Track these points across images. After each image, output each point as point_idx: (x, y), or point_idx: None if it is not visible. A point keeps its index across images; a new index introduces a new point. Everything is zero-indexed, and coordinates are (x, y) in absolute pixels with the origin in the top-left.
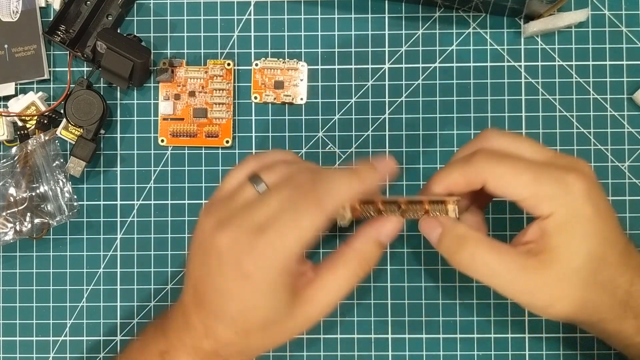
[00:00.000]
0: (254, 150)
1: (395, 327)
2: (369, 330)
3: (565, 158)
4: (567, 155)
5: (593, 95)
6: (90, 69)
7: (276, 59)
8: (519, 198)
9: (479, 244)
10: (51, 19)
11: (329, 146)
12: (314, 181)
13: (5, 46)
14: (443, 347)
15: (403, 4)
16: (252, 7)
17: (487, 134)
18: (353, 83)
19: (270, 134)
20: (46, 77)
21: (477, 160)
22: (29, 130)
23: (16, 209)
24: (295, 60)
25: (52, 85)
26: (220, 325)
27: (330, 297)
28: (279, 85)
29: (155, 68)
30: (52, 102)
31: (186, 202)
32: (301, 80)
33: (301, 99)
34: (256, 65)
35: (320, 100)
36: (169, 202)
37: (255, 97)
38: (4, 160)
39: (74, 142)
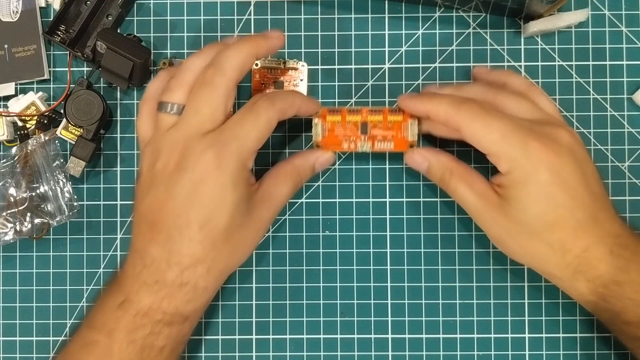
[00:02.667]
0: None
1: (395, 327)
2: (369, 330)
3: (549, 124)
4: (556, 121)
5: (593, 95)
6: (90, 69)
7: (276, 59)
8: (485, 152)
9: (461, 175)
10: (51, 19)
11: None
12: (268, 95)
13: (5, 46)
14: (443, 347)
15: (403, 4)
16: (252, 7)
17: (499, 75)
18: (353, 83)
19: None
20: (46, 77)
21: (465, 109)
22: (29, 130)
23: (16, 209)
24: (295, 60)
25: (52, 85)
26: (186, 241)
27: (277, 201)
28: (279, 85)
29: (155, 68)
30: (52, 102)
31: None
32: (301, 80)
33: None
34: (256, 65)
35: (320, 100)
36: None
37: None
38: (4, 160)
39: (74, 142)
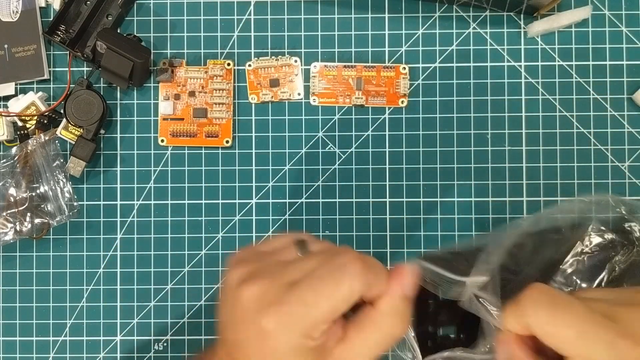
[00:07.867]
0: (253, 151)
1: None
2: None
3: None
4: None
5: (593, 95)
6: (90, 69)
7: (268, 57)
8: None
9: None
10: (51, 19)
11: (329, 146)
12: (362, 257)
13: (5, 46)
14: None
15: (403, 2)
16: (252, 7)
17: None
18: None
19: (270, 134)
20: (46, 77)
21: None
22: (29, 130)
23: (16, 209)
24: (287, 56)
25: (52, 85)
26: None
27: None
28: (274, 83)
29: (155, 68)
30: (52, 102)
31: (186, 202)
32: (295, 75)
33: (298, 94)
34: (249, 66)
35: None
36: (169, 202)
37: (253, 98)
38: (4, 160)
39: (74, 142)
